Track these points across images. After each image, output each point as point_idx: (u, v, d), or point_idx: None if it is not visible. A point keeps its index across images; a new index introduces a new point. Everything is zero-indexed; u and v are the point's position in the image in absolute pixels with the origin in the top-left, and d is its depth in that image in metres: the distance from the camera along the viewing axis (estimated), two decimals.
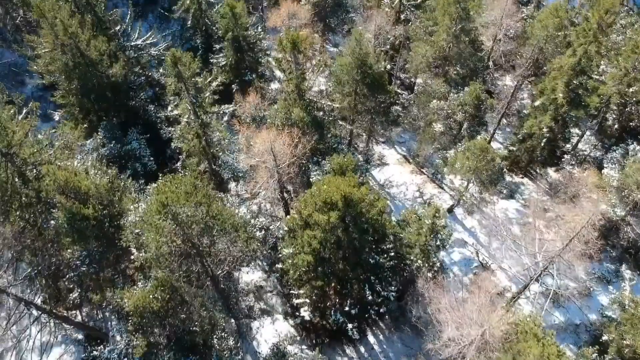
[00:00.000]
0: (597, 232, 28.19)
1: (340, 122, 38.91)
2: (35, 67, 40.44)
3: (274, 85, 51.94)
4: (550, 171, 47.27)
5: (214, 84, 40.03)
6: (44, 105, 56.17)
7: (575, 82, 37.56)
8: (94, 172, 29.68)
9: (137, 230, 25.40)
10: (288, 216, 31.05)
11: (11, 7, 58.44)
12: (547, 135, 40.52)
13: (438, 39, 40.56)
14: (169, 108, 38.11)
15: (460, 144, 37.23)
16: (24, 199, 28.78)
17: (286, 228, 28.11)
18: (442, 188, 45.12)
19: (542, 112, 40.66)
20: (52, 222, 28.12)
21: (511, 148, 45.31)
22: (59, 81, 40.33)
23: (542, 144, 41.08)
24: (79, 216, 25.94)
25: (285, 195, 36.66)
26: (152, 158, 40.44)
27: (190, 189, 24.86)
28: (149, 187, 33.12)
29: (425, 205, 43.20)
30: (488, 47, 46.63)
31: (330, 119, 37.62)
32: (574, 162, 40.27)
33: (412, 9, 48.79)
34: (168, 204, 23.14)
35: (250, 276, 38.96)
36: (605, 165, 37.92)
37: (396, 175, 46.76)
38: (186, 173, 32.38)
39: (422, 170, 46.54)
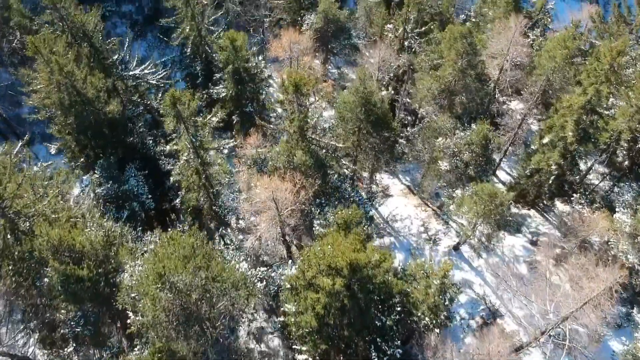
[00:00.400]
0: (614, 299, 27.13)
1: (344, 161, 37.82)
2: (30, 102, 39.39)
3: (277, 109, 51.10)
4: (558, 202, 46.25)
5: (214, 119, 39.04)
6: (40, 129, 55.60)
7: (585, 120, 36.50)
8: (90, 225, 28.63)
9: (133, 294, 24.38)
10: (290, 272, 29.97)
11: (7, 30, 57.41)
12: (556, 172, 39.46)
13: (444, 73, 39.51)
14: (168, 147, 37.02)
15: (467, 187, 36.12)
16: (16, 253, 27.81)
17: (288, 285, 27.07)
18: (448, 223, 44.08)
19: (550, 148, 39.60)
20: (46, 279, 27.10)
21: (518, 182, 44.24)
22: (54, 116, 39.37)
23: (551, 181, 40.03)
24: (73, 278, 24.91)
25: (287, 237, 35.63)
26: (150, 196, 39.46)
27: (188, 253, 23.82)
28: (146, 236, 32.10)
29: (431, 242, 42.44)
30: (494, 76, 45.59)
31: (333, 157, 36.55)
32: (583, 201, 39.14)
33: (416, 37, 47.78)
34: (165, 273, 22.12)
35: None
36: (617, 209, 36.82)
37: (400, 208, 45.69)
38: (185, 230, 31.17)
39: (427, 203, 45.49)
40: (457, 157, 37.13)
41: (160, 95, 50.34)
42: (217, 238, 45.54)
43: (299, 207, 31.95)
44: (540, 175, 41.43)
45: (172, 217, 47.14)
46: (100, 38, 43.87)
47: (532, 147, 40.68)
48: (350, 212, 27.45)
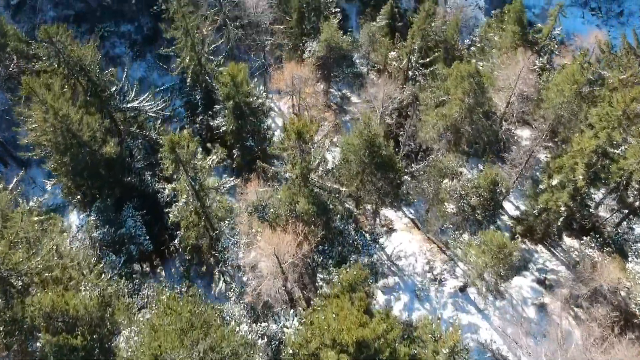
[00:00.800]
0: None
1: (348, 205, 36.75)
2: (25, 141, 38.30)
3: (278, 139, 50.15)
4: (566, 237, 45.21)
5: (214, 159, 38.04)
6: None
7: (596, 164, 35.43)
8: (84, 283, 27.58)
9: None
10: (292, 324, 28.94)
11: (3, 55, 56.38)
12: (565, 213, 38.39)
13: (450, 111, 38.46)
14: (167, 191, 35.96)
15: (475, 235, 35.05)
16: (8, 315, 26.76)
17: (291, 351, 25.99)
18: (453, 260, 42.99)
19: (559, 188, 38.51)
20: (38, 343, 26.05)
21: (525, 217, 43.18)
22: (50, 155, 38.36)
23: (560, 223, 38.97)
24: (67, 348, 23.86)
25: (289, 284, 34.56)
26: (147, 237, 38.39)
27: (186, 325, 22.76)
28: (144, 288, 31.07)
29: (437, 283, 41.34)
30: (501, 107, 44.53)
31: (337, 200, 35.49)
32: (593, 244, 38.04)
33: (421, 67, 46.77)
34: (161, 353, 21.07)
35: None
36: (629, 256, 35.75)
37: (405, 244, 44.61)
38: (184, 293, 29.98)
39: (433, 240, 44.38)
40: (464, 200, 36.06)
41: (159, 123, 49.42)
42: (216, 273, 44.75)
43: (301, 259, 30.88)
44: (549, 215, 40.38)
45: (171, 250, 46.27)
46: (98, 70, 42.87)
47: (541, 186, 39.54)
48: (355, 273, 26.42)
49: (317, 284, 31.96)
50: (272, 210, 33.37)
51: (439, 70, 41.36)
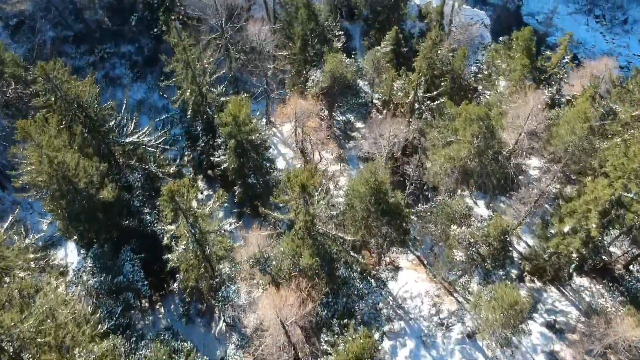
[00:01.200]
0: None
1: (353, 254, 35.56)
2: (19, 183, 37.08)
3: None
4: (576, 277, 44.01)
5: (217, 204, 36.91)
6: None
7: (611, 213, 34.24)
8: (79, 351, 26.43)
9: None
10: None
11: (1, 81, 55.33)
12: (577, 259, 37.21)
13: (458, 154, 37.26)
14: (166, 240, 34.78)
15: (484, 287, 33.86)
16: None
17: None
18: (461, 304, 41.76)
19: (571, 233, 37.30)
20: None
21: (534, 257, 41.97)
22: (45, 197, 37.22)
23: (571, 269, 37.78)
24: None
25: (292, 338, 33.39)
26: (146, 282, 37.24)
27: None
28: (141, 347, 29.89)
29: (444, 328, 40.13)
30: (509, 142, 43.34)
31: (342, 250, 34.34)
32: (605, 293, 36.84)
33: (428, 101, 45.60)
34: None
35: None
36: None
37: (411, 284, 43.35)
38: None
39: (440, 282, 43.12)
40: (473, 248, 34.88)
41: (159, 152, 48.24)
42: (216, 312, 43.65)
43: (305, 317, 29.75)
44: (560, 258, 39.20)
45: (171, 287, 45.13)
46: (96, 105, 41.78)
47: (551, 230, 38.32)
48: (361, 342, 25.27)
49: (322, 345, 30.79)
50: (274, 262, 32.22)
51: (447, 110, 40.08)
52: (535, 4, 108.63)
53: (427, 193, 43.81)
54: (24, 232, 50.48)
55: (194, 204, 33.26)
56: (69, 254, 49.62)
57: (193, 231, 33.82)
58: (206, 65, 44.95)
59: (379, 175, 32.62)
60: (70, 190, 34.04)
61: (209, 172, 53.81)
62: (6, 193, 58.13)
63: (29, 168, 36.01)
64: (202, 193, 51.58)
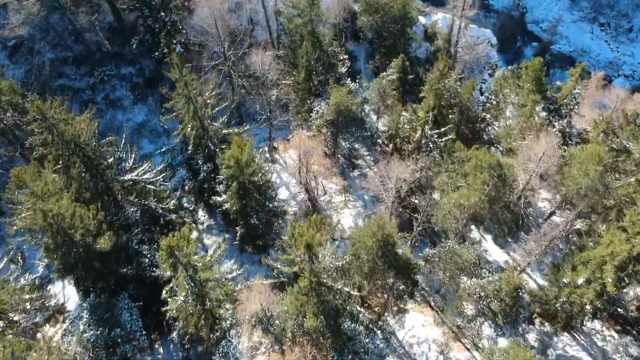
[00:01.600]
0: None
1: (359, 308, 34.28)
2: (14, 229, 35.84)
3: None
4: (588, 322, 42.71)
5: (216, 253, 35.71)
6: None
7: (629, 269, 32.93)
8: None
9: None
10: None
11: None
12: (590, 312, 35.92)
13: (467, 202, 35.95)
14: (164, 294, 33.57)
15: (495, 344, 32.59)
16: None
17: None
18: (470, 352, 40.46)
19: (585, 284, 36.02)
20: None
21: (545, 302, 40.65)
22: (40, 244, 36.11)
23: (585, 319, 36.49)
24: None
25: None
26: (144, 332, 36.02)
27: None
28: None
29: None
30: (520, 184, 42.06)
31: (348, 305, 33.08)
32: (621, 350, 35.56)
33: (436, 138, 44.33)
34: None
35: None
36: None
37: (417, 327, 42.00)
38: None
39: (447, 325, 41.84)
40: (484, 302, 33.58)
41: (158, 184, 46.99)
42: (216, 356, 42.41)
43: None
44: (572, 307, 37.91)
45: (170, 336, 43.82)
46: (95, 142, 40.60)
47: (564, 279, 37.01)
48: None
49: None
50: (277, 322, 30.96)
51: (456, 153, 38.74)
52: (539, 12, 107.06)
53: (434, 233, 42.52)
54: (21, 261, 49.68)
55: (196, 257, 32.04)
56: (67, 286, 48.34)
57: (193, 284, 32.59)
58: (208, 101, 43.64)
59: (386, 229, 31.34)
60: (66, 242, 32.78)
61: (211, 201, 52.56)
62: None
63: (23, 215, 34.91)
64: (202, 236, 50.48)
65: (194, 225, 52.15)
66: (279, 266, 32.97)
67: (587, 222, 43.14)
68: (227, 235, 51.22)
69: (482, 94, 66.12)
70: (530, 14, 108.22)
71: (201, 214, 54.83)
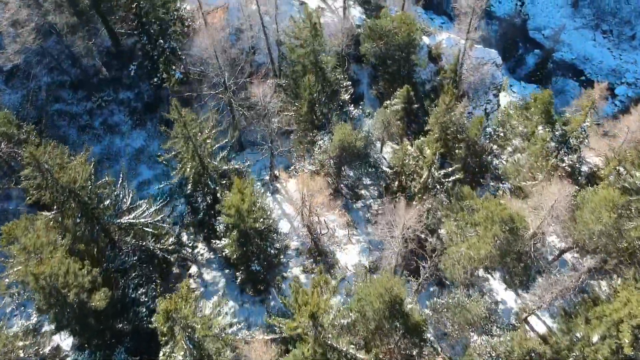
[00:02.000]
0: None
1: None
2: (4, 283, 34.46)
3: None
4: None
5: (216, 309, 34.37)
6: None
7: None
8: None
9: None
10: None
11: None
12: None
13: (477, 254, 34.55)
14: (162, 355, 32.21)
15: None
16: None
17: None
18: None
19: (600, 340, 34.63)
20: None
21: (557, 352, 39.29)
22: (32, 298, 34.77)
23: None
24: None
25: None
26: None
27: None
28: None
29: None
30: (530, 229, 40.69)
31: None
32: None
33: (443, 178, 42.97)
34: None
35: None
36: None
37: None
38: None
39: None
40: None
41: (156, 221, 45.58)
42: None
43: None
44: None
45: None
46: (90, 186, 39.23)
47: (577, 334, 35.62)
48: None
49: None
50: None
51: (466, 201, 37.33)
52: (541, 19, 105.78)
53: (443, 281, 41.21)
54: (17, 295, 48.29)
55: (197, 320, 30.70)
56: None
57: (192, 346, 31.23)
58: (208, 140, 42.27)
59: (394, 290, 29.99)
60: (59, 301, 31.42)
61: (211, 244, 51.11)
62: None
63: (15, 269, 33.58)
64: (201, 270, 49.10)
65: (193, 260, 50.95)
66: (282, 327, 31.58)
67: (600, 264, 41.84)
68: (227, 271, 50.00)
69: (487, 115, 64.89)
70: (532, 20, 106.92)
71: (201, 247, 53.39)
